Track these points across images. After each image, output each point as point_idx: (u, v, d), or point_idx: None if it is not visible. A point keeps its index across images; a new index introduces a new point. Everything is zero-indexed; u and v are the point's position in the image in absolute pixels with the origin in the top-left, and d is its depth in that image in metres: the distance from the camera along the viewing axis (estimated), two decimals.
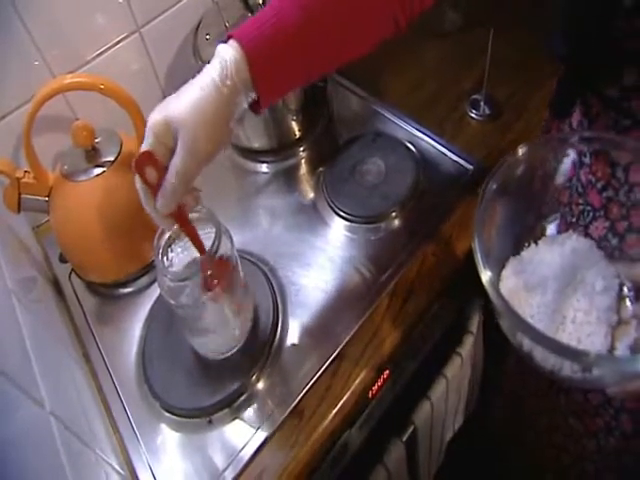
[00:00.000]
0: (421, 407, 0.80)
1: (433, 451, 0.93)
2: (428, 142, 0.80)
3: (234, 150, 0.86)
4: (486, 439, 1.05)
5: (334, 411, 0.59)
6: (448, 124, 0.82)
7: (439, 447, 0.96)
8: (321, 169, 0.80)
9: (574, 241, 0.47)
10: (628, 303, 0.44)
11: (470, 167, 0.76)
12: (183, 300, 0.56)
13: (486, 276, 0.42)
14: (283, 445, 0.58)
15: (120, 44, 0.78)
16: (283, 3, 0.48)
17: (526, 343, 0.43)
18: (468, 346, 0.84)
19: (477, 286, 0.44)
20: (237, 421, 0.60)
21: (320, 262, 0.71)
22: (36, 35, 0.69)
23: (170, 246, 0.56)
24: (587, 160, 0.51)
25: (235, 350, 0.63)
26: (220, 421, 0.60)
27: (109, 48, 0.77)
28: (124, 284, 0.73)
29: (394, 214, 0.73)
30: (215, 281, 0.55)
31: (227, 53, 0.45)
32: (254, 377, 0.62)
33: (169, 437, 0.61)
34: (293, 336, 0.65)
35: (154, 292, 0.71)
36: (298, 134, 0.84)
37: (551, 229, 0.51)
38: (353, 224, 0.74)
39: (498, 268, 0.48)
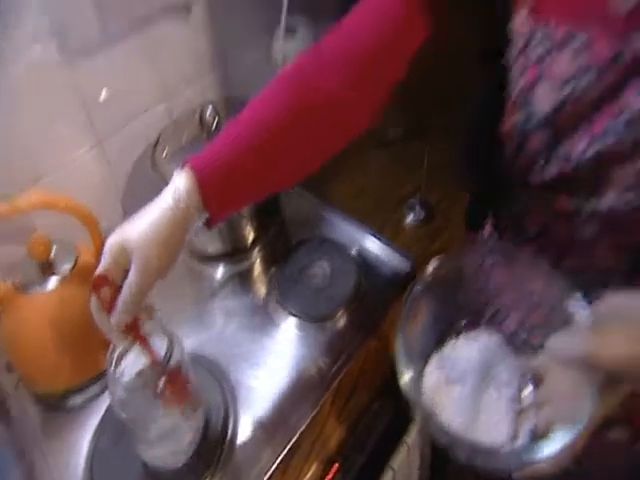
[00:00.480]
0: None
1: None
2: (369, 245, 0.87)
3: (189, 255, 0.90)
4: None
5: None
6: (388, 227, 0.90)
7: None
8: (273, 270, 0.85)
9: (486, 338, 0.52)
10: (528, 392, 0.48)
11: (406, 268, 0.83)
12: (134, 409, 0.56)
13: (407, 376, 0.45)
14: None
15: (81, 157, 0.81)
16: (240, 128, 0.51)
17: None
18: (413, 434, 0.85)
19: None
20: None
21: (271, 361, 0.74)
22: None
23: (122, 356, 0.58)
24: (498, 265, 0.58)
25: (186, 458, 0.63)
26: None
27: (69, 161, 0.79)
28: (73, 392, 0.72)
29: (339, 314, 0.78)
30: (167, 389, 0.56)
31: (181, 181, 0.50)
32: None
33: None
34: (244, 436, 0.66)
35: (104, 401, 0.70)
36: (251, 238, 0.89)
37: (469, 327, 0.56)
38: (303, 322, 0.78)
39: (422, 364, 0.51)
